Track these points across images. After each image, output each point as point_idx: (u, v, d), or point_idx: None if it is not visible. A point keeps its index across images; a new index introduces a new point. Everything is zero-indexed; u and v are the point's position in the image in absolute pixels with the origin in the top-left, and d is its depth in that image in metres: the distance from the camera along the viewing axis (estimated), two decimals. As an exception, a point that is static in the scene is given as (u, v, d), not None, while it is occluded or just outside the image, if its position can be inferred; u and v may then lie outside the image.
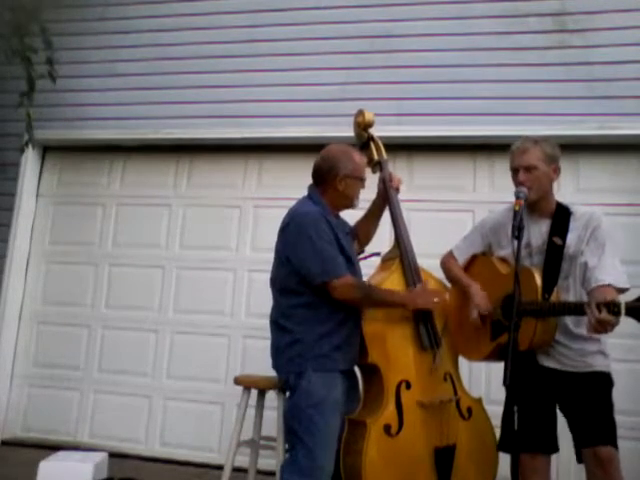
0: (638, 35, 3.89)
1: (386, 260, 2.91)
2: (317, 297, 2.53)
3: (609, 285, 2.25)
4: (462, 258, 2.71)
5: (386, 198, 2.88)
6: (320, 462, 2.42)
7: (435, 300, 2.64)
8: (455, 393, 2.72)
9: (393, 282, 2.73)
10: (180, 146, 4.67)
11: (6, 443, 4.50)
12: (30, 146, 4.42)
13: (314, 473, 2.41)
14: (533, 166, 2.43)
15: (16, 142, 4.52)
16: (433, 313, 2.70)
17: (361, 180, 2.73)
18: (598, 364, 2.39)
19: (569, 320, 2.40)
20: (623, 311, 2.04)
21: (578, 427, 2.35)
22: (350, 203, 2.74)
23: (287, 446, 2.61)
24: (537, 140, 2.48)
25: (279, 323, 2.61)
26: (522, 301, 2.21)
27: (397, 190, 2.92)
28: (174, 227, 4.64)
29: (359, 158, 2.75)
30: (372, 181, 2.90)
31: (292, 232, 2.58)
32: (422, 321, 2.69)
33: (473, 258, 2.69)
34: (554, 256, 2.42)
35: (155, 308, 4.55)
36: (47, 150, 4.94)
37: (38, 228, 4.85)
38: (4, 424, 4.59)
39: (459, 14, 4.18)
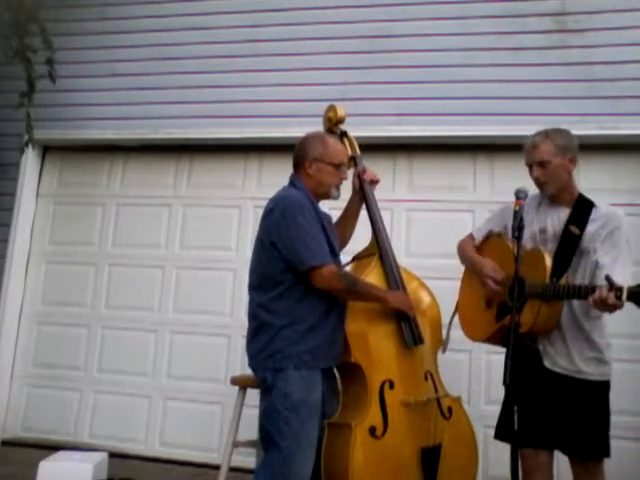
0: (638, 35, 3.89)
1: (362, 257, 2.78)
2: (300, 288, 2.41)
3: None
4: (480, 236, 2.66)
5: (362, 193, 2.79)
6: (296, 468, 2.29)
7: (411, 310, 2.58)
8: (436, 392, 2.64)
9: (372, 280, 2.62)
10: (180, 146, 4.67)
11: (6, 443, 4.50)
12: (30, 146, 4.43)
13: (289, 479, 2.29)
14: (546, 161, 2.41)
15: (16, 142, 4.53)
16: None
17: (333, 166, 2.56)
18: (605, 372, 2.38)
19: (596, 332, 2.37)
20: (625, 295, 2.00)
21: (572, 436, 2.34)
22: (325, 191, 2.59)
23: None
24: (548, 133, 2.46)
25: (259, 317, 2.47)
26: (529, 284, 2.24)
27: (373, 183, 2.83)
28: (174, 227, 4.64)
29: (333, 143, 2.62)
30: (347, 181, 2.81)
31: (278, 216, 2.44)
32: (404, 318, 2.60)
33: (487, 239, 2.64)
34: (568, 244, 2.38)
35: (155, 308, 4.55)
36: (47, 150, 4.94)
37: (38, 228, 4.85)
38: (4, 424, 4.59)
39: (459, 14, 4.17)
